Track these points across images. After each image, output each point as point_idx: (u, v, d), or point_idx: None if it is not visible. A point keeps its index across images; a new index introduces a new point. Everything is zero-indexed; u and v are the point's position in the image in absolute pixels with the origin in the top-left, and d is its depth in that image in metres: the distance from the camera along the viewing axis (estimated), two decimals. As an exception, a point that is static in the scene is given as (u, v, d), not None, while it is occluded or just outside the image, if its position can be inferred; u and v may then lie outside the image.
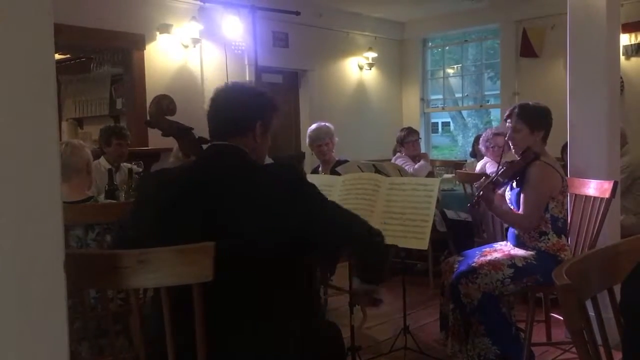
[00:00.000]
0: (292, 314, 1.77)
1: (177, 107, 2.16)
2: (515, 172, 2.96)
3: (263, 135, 1.93)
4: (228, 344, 1.63)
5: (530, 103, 3.09)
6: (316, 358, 1.86)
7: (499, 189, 3.06)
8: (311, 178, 3.06)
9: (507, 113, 3.12)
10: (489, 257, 2.90)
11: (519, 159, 2.99)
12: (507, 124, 3.08)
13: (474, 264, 2.86)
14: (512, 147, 3.06)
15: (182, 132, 2.12)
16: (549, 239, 2.91)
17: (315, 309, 1.94)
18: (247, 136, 1.88)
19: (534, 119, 3.00)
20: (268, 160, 3.81)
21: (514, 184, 3.03)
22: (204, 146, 2.00)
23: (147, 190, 1.90)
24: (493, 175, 3.13)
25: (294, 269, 1.78)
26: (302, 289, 1.86)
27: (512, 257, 2.87)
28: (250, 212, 1.69)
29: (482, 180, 3.24)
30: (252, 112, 1.90)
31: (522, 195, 2.94)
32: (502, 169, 3.00)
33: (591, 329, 1.13)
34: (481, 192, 2.95)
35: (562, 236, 2.94)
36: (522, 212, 2.94)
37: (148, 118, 2.17)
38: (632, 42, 6.14)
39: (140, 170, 4.21)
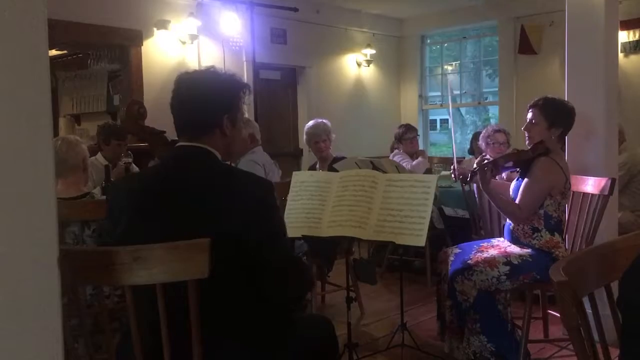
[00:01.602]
0: (274, 312, 1.76)
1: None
2: (520, 161, 2.94)
3: (233, 128, 1.82)
4: (211, 343, 1.61)
5: (557, 98, 3.06)
6: (307, 352, 1.86)
7: (501, 171, 3.05)
8: (308, 175, 3.06)
9: (531, 102, 3.08)
10: (485, 254, 2.90)
11: (529, 149, 2.97)
12: (529, 113, 3.05)
13: (469, 261, 2.86)
14: (527, 138, 3.04)
15: (154, 136, 2.09)
16: (541, 236, 2.91)
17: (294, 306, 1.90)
18: (215, 133, 1.78)
19: (555, 115, 2.98)
20: (262, 154, 3.83)
21: (519, 175, 3.02)
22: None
23: (115, 199, 1.81)
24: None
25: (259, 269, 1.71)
26: (276, 287, 1.79)
27: (507, 255, 2.86)
28: (211, 217, 1.63)
29: (481, 156, 3.24)
30: (217, 108, 1.79)
31: (522, 185, 2.93)
32: (507, 153, 2.99)
33: (588, 325, 1.12)
34: (477, 168, 2.92)
35: (556, 233, 2.94)
36: (517, 202, 2.93)
37: (119, 124, 2.18)
38: (631, 39, 6.13)
39: (130, 161, 4.20)
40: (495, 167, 2.96)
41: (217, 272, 1.46)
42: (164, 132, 2.00)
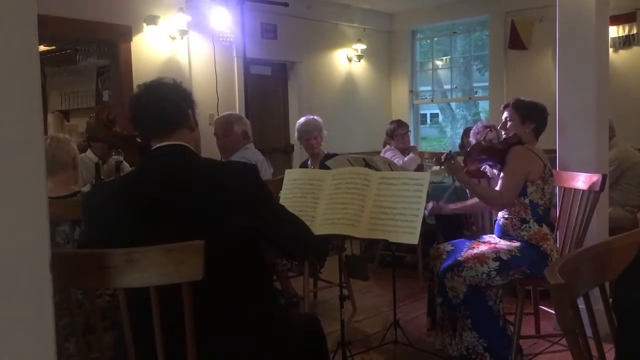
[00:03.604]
0: (260, 307, 1.77)
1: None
2: (494, 151, 3.05)
3: (196, 124, 1.94)
4: (205, 343, 1.60)
5: (527, 99, 3.22)
6: (293, 350, 1.86)
7: (477, 163, 3.14)
8: (301, 172, 3.05)
9: (504, 104, 3.26)
10: (475, 251, 2.92)
11: (501, 140, 3.13)
12: (504, 113, 3.20)
13: (459, 258, 2.87)
14: (503, 135, 3.18)
15: (125, 142, 2.07)
16: (530, 227, 2.95)
17: (273, 298, 1.95)
18: (184, 127, 1.87)
19: (526, 110, 3.14)
20: (254, 152, 3.82)
21: (499, 169, 3.10)
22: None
23: (96, 204, 1.82)
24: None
25: (248, 262, 1.77)
26: (261, 281, 1.86)
27: (497, 250, 2.88)
28: (209, 209, 1.67)
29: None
30: (180, 103, 1.89)
31: (501, 175, 3.04)
32: (479, 143, 3.12)
33: (581, 323, 1.12)
34: (447, 154, 3.03)
35: (544, 225, 2.97)
36: (497, 189, 3.04)
37: (88, 131, 2.16)
38: (620, 35, 6.15)
39: (121, 159, 4.13)
40: (469, 155, 3.09)
41: (214, 271, 1.46)
42: (136, 136, 2.00)
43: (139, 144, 2.04)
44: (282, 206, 1.97)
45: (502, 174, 3.04)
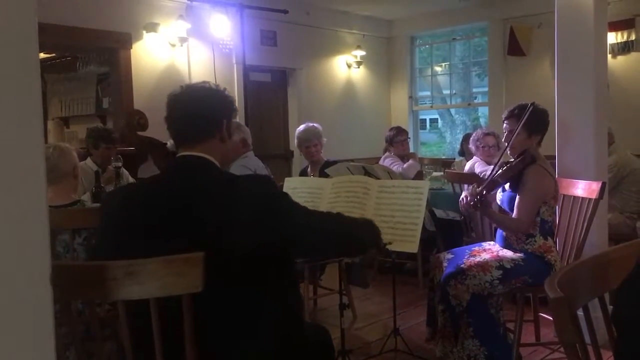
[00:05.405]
0: (274, 319, 1.75)
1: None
2: (513, 174, 2.94)
3: (229, 136, 1.89)
4: (211, 351, 1.60)
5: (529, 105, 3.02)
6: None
7: (495, 190, 3.06)
8: (300, 181, 3.06)
9: (506, 114, 3.07)
10: (477, 259, 2.91)
11: (516, 161, 2.94)
12: (505, 124, 3.06)
13: (462, 266, 2.86)
14: (508, 149, 3.02)
15: (154, 147, 2.07)
16: (535, 241, 2.92)
17: (297, 311, 1.92)
18: (215, 137, 1.82)
19: (533, 123, 2.97)
20: (253, 159, 3.83)
21: (507, 186, 3.03)
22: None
23: (114, 208, 1.81)
24: (487, 176, 3.08)
25: (272, 274, 1.74)
26: (283, 292, 1.82)
27: (500, 259, 2.87)
28: (226, 224, 1.63)
29: (473, 186, 3.14)
30: (217, 111, 1.85)
31: (517, 199, 2.92)
32: (500, 171, 2.94)
33: (581, 332, 1.12)
34: (484, 192, 2.88)
35: (548, 238, 2.95)
36: (516, 216, 2.92)
37: (109, 128, 2.13)
38: (619, 41, 6.17)
39: (120, 165, 4.12)
40: (493, 185, 2.93)
41: (226, 284, 1.46)
42: (166, 143, 2.00)
43: (168, 152, 2.04)
44: (311, 212, 1.87)
45: (518, 199, 2.92)
